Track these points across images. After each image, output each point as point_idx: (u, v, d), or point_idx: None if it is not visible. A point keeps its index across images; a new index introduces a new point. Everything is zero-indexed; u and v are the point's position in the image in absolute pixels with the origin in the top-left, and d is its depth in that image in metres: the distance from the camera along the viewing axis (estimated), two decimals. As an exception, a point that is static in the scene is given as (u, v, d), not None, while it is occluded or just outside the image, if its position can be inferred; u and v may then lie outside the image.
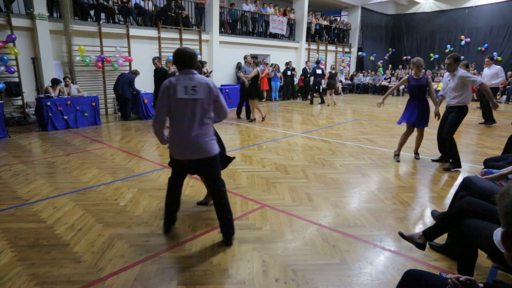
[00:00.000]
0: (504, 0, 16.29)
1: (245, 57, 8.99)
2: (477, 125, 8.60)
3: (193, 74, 2.71)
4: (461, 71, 4.73)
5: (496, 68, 8.73)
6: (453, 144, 4.82)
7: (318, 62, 13.01)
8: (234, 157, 3.57)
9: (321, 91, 13.35)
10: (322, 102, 13.00)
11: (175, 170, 2.99)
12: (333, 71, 12.59)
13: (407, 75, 5.33)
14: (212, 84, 2.74)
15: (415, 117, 5.08)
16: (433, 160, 5.31)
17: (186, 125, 2.66)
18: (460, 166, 4.86)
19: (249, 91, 8.56)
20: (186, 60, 2.70)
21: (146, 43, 10.55)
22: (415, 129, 5.25)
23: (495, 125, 8.55)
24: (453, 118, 4.81)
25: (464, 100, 4.75)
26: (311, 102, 13.02)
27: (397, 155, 5.39)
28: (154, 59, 8.29)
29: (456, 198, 2.73)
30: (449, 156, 4.97)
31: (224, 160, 3.43)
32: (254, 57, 13.18)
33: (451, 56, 4.74)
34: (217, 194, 2.85)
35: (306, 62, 15.03)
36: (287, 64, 14.06)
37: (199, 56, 9.59)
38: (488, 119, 8.61)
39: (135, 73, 9.02)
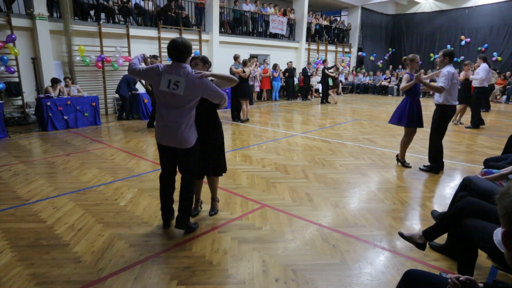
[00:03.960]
0: (504, 0, 16.28)
1: (237, 57, 8.88)
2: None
3: (182, 68, 2.65)
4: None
5: (482, 67, 7.97)
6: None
7: (309, 63, 13.15)
8: None
9: (313, 91, 13.48)
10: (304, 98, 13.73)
11: None
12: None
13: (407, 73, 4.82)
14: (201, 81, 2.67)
15: (406, 117, 4.70)
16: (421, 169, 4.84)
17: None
18: (437, 172, 4.69)
19: (236, 90, 8.47)
20: (173, 53, 2.65)
21: (146, 43, 10.54)
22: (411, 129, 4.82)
23: (495, 125, 8.54)
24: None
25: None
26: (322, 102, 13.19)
27: (399, 160, 5.04)
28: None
29: (456, 198, 2.73)
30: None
31: None
32: (254, 56, 13.18)
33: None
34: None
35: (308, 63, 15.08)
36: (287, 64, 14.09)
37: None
38: (474, 123, 8.02)
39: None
